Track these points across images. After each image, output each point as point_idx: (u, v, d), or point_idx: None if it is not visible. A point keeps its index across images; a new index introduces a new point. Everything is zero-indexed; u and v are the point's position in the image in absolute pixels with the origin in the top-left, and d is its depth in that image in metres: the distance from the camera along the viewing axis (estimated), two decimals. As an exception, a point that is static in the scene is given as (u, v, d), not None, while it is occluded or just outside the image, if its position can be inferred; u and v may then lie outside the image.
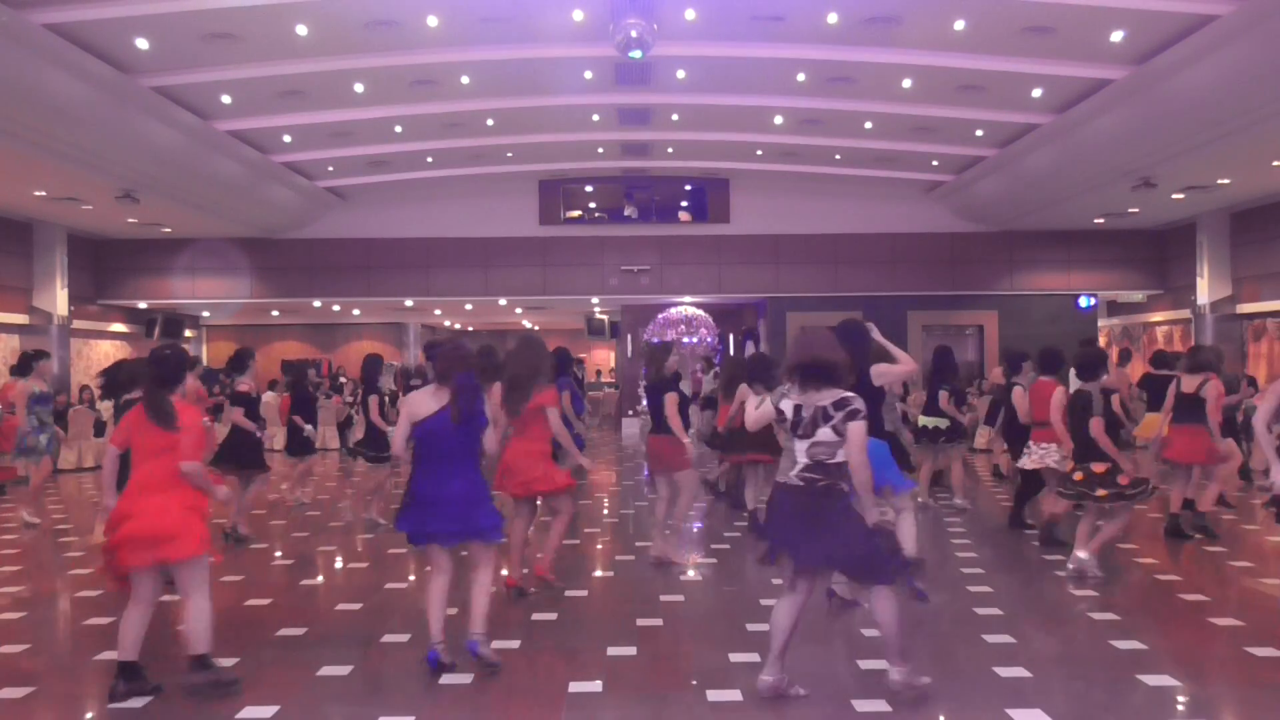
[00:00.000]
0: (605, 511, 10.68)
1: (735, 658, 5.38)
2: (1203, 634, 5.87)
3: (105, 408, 16.24)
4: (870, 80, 12.62)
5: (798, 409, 4.64)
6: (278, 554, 8.52)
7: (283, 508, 11.14)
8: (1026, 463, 8.69)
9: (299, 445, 11.34)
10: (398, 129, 14.58)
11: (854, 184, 18.46)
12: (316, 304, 21.06)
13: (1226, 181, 14.73)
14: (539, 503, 7.28)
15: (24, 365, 10.25)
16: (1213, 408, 8.50)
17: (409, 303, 21.28)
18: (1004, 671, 5.08)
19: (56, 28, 9.90)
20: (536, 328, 31.60)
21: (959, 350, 19.25)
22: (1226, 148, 12.37)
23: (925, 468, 10.65)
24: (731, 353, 21.54)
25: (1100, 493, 7.06)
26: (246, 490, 9.18)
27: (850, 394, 4.62)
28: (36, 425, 10.15)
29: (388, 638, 5.84)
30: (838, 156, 16.66)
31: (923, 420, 10.45)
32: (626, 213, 19.67)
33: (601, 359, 33.39)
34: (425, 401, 5.19)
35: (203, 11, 9.92)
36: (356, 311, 24.06)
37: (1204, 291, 17.46)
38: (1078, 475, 7.19)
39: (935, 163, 16.73)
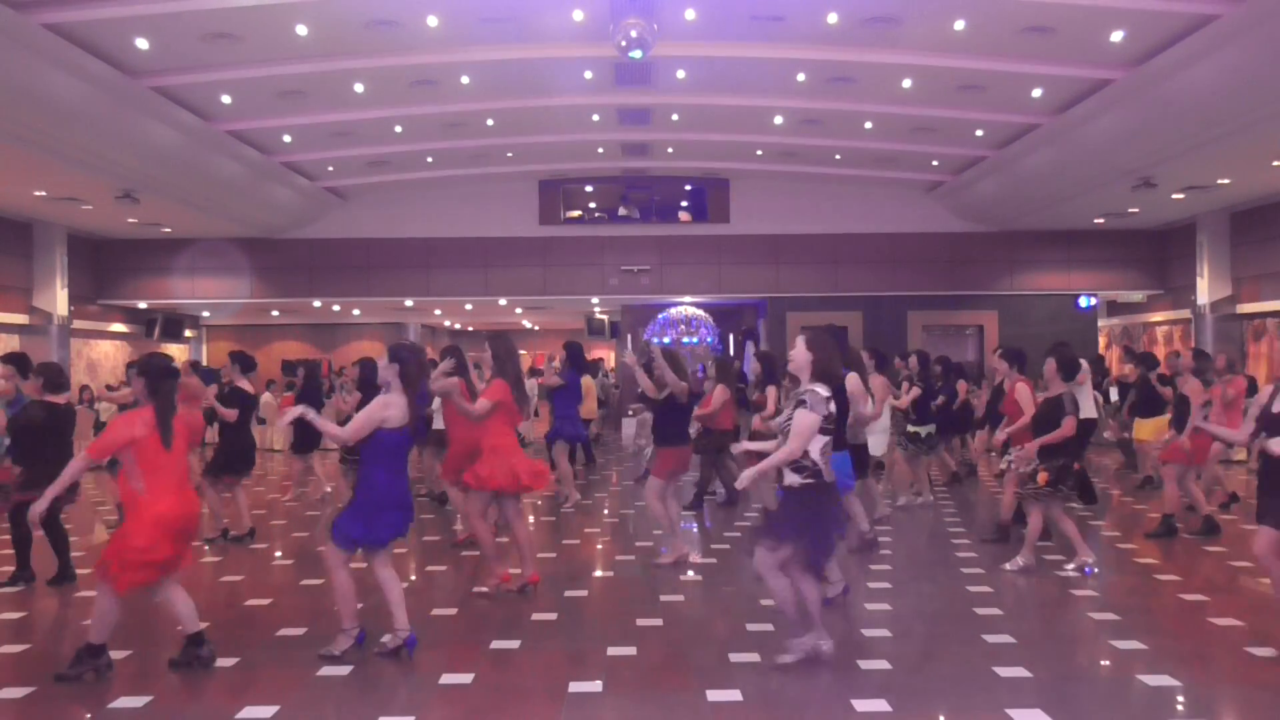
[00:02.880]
0: (605, 511, 10.67)
1: (735, 658, 5.38)
2: (1203, 634, 5.86)
3: (104, 408, 16.25)
4: (870, 80, 12.62)
5: None
6: (278, 554, 8.52)
7: (281, 506, 11.18)
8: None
9: (305, 442, 11.38)
10: (398, 129, 14.58)
11: (854, 184, 18.47)
12: (316, 304, 21.06)
13: (1226, 181, 14.73)
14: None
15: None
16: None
17: (409, 303, 21.28)
18: (1004, 671, 5.08)
19: (56, 28, 9.90)
20: (536, 327, 31.64)
21: (960, 350, 19.31)
22: (1226, 148, 12.37)
23: (921, 471, 10.81)
24: (731, 353, 21.55)
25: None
26: (235, 492, 9.17)
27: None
28: None
29: (388, 638, 5.83)
30: (838, 156, 16.66)
31: (912, 428, 10.57)
32: (624, 213, 19.66)
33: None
34: (402, 409, 5.30)
35: (203, 11, 9.92)
36: (356, 311, 24.06)
37: (1204, 291, 17.46)
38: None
39: (935, 163, 16.73)
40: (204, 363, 22.83)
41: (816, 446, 5.03)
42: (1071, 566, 7.32)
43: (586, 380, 14.56)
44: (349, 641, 5.37)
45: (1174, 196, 15.60)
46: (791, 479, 5.08)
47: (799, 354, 5.19)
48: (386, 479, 5.32)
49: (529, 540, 7.04)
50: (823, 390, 5.07)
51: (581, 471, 11.64)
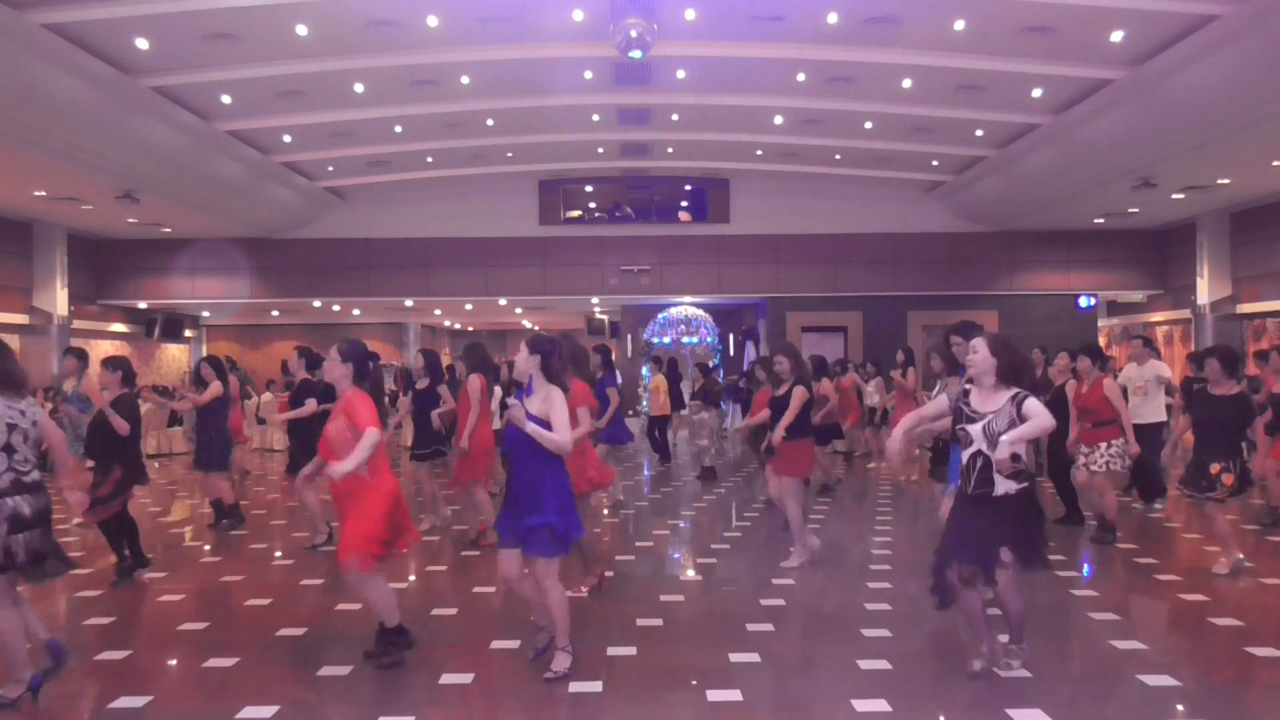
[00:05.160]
0: (605, 511, 10.67)
1: (735, 658, 5.37)
2: (1203, 634, 5.86)
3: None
4: (870, 80, 12.62)
5: None
6: (278, 554, 8.52)
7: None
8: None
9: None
10: (398, 129, 14.58)
11: (854, 184, 18.47)
12: (316, 304, 21.07)
13: (1226, 181, 14.74)
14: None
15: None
16: None
17: (409, 303, 21.29)
18: (1004, 672, 5.07)
19: (56, 28, 9.91)
20: (536, 327, 31.61)
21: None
22: (1226, 148, 12.38)
23: None
24: (731, 353, 21.55)
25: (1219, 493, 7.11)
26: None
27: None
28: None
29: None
30: (838, 156, 16.67)
31: None
32: (622, 214, 19.64)
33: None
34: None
35: (203, 11, 9.93)
36: (356, 311, 24.07)
37: (1204, 291, 17.47)
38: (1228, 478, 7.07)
39: (935, 163, 16.73)
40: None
41: (1022, 449, 4.77)
42: (1217, 568, 7.23)
43: (659, 379, 14.44)
44: (569, 659, 5.07)
45: (1174, 196, 15.61)
46: (1006, 486, 4.73)
47: (982, 359, 4.87)
48: (566, 480, 5.05)
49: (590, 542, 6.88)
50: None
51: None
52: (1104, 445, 8.36)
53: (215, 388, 9.36)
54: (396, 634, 5.23)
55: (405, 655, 5.24)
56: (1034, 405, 4.74)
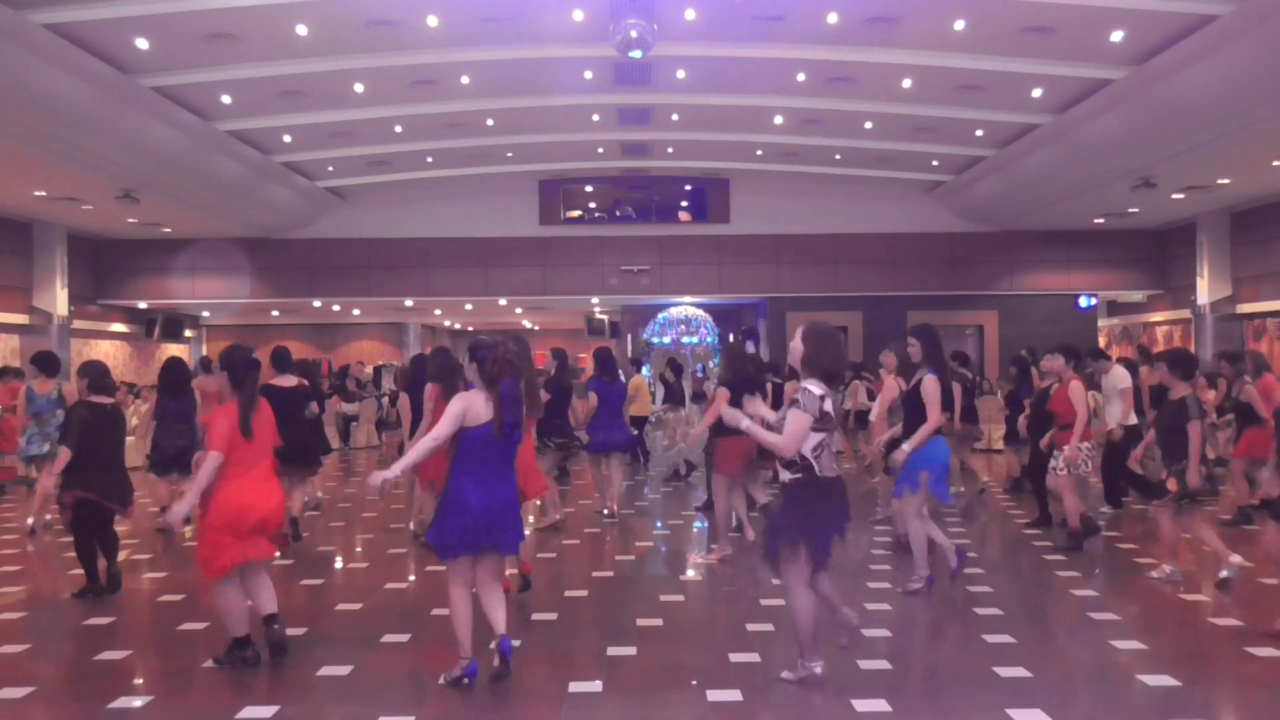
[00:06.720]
0: (605, 511, 10.66)
1: (735, 658, 5.38)
2: (1203, 634, 5.87)
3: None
4: (870, 80, 12.62)
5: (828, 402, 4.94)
6: (277, 554, 8.50)
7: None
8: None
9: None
10: (398, 129, 14.58)
11: (854, 184, 18.46)
12: (316, 304, 21.06)
13: (1226, 181, 14.74)
14: None
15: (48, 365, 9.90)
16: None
17: (409, 303, 21.28)
18: (1004, 671, 5.07)
19: (56, 28, 9.90)
20: (536, 327, 31.65)
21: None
22: (1226, 148, 12.37)
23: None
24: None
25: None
26: (297, 489, 9.05)
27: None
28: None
29: (388, 638, 5.84)
30: (838, 156, 16.66)
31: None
32: (622, 213, 19.64)
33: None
34: (482, 407, 4.88)
35: (203, 11, 9.93)
36: (356, 311, 24.07)
37: (1204, 291, 17.47)
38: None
39: (935, 163, 16.73)
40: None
41: (809, 445, 4.84)
42: (1224, 573, 6.83)
43: (638, 379, 14.29)
44: (458, 672, 4.93)
45: (1174, 196, 15.61)
46: (784, 475, 4.97)
47: (794, 347, 5.01)
48: (454, 483, 4.88)
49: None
50: (816, 389, 4.85)
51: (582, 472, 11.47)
52: (1066, 448, 8.07)
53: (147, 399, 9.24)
54: (238, 646, 5.27)
55: (249, 668, 5.20)
56: (790, 420, 4.82)
